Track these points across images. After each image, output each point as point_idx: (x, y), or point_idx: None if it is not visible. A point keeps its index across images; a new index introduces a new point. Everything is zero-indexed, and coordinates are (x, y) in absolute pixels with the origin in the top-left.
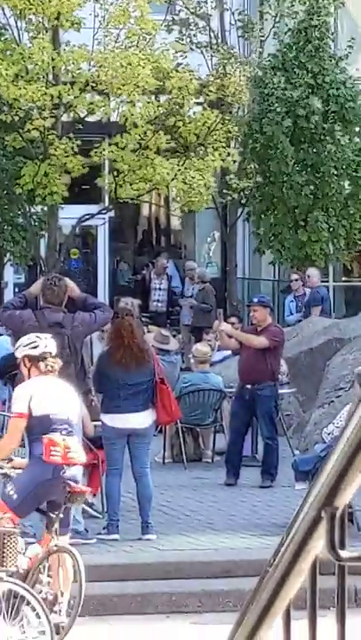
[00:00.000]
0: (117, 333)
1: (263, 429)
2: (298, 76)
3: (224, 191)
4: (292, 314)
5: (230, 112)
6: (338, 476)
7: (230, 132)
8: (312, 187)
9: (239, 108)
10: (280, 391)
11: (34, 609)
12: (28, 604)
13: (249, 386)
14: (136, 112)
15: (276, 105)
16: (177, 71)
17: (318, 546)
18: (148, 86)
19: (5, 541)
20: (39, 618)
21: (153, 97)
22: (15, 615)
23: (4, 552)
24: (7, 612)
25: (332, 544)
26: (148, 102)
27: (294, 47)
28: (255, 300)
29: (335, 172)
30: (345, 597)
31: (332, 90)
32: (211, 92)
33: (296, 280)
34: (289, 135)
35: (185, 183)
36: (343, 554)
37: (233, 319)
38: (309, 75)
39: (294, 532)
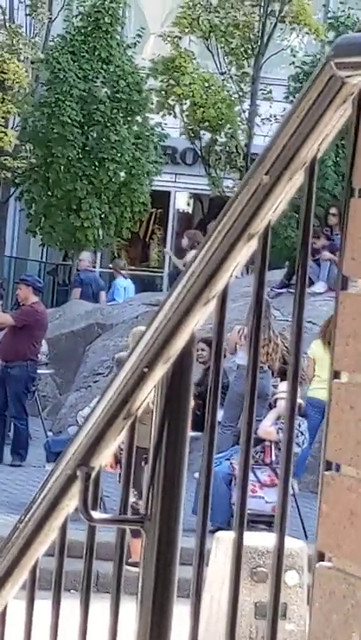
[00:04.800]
0: None
1: (10, 408)
2: (86, 60)
3: None
4: None
5: (11, 90)
6: (96, 437)
7: (9, 113)
8: (90, 172)
9: (20, 88)
10: (38, 371)
11: None
12: None
13: (3, 363)
14: None
15: (70, 92)
16: None
17: (71, 505)
18: None
19: None
20: None
21: None
22: None
23: None
24: None
25: (85, 504)
26: None
27: (83, 31)
28: (21, 278)
29: (115, 160)
30: (92, 559)
31: (120, 79)
32: None
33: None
34: (76, 120)
35: None
36: (95, 515)
37: None
38: (97, 60)
39: (48, 488)
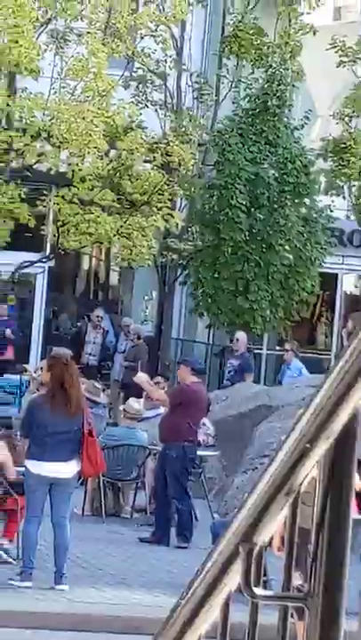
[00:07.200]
0: (58, 378)
1: (170, 489)
2: (253, 142)
3: (163, 252)
4: None
5: (178, 175)
6: (258, 513)
7: (175, 195)
8: (258, 255)
9: (186, 171)
10: (203, 453)
11: None
12: None
13: (163, 444)
14: (85, 167)
15: (239, 175)
16: (132, 129)
17: (233, 582)
18: (99, 146)
19: None
20: None
21: (103, 154)
22: None
23: None
24: None
25: (247, 581)
26: (99, 157)
27: (251, 113)
28: (182, 359)
29: (281, 243)
30: (255, 639)
31: (287, 161)
32: (159, 155)
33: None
34: (242, 203)
35: (128, 239)
36: (258, 591)
37: (158, 378)
38: (265, 142)
39: (210, 565)
